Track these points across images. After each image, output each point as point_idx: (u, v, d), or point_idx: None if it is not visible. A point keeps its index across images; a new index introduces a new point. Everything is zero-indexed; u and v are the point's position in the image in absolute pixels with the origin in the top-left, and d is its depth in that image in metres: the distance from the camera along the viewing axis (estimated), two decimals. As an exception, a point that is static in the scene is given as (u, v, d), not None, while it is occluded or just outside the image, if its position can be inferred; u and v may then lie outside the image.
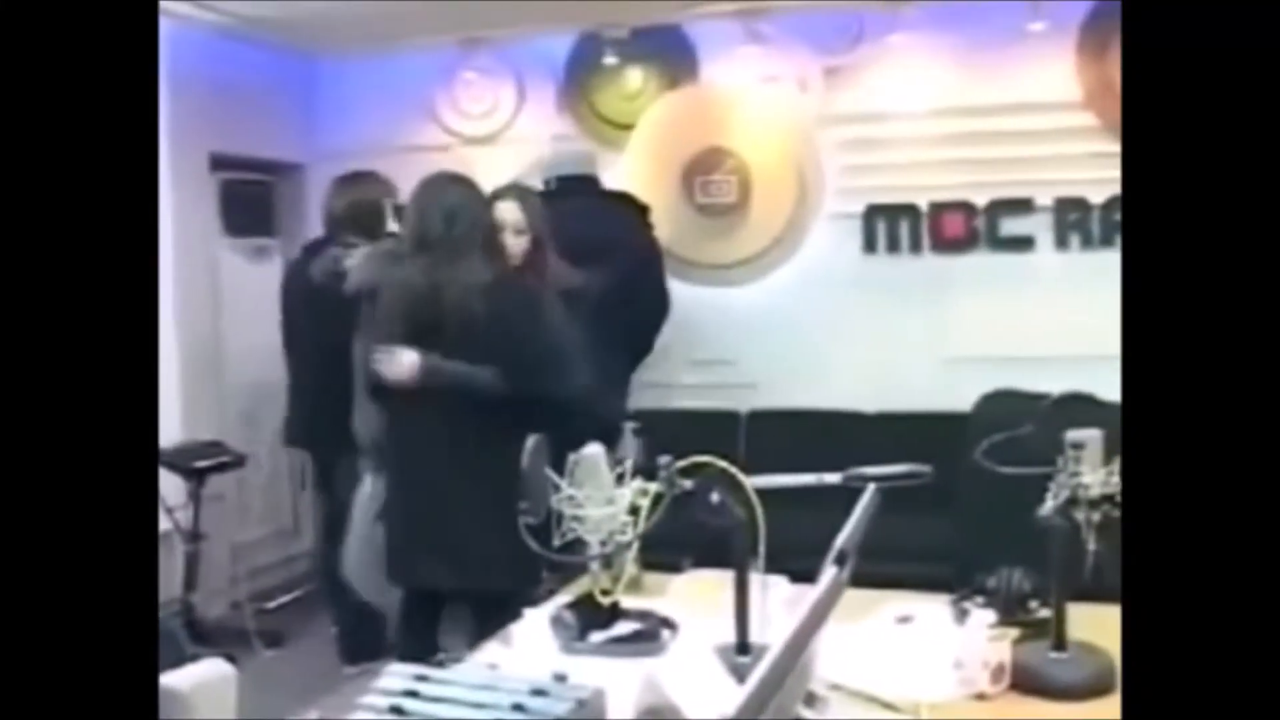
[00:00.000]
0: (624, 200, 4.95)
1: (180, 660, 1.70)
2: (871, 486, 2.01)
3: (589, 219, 4.70)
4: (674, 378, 5.74)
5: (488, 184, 5.84)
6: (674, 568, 2.79)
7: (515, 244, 3.65)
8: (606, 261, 4.56)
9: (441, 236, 3.39)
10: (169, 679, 1.59)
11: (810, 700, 1.81)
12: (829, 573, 1.58)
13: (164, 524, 4.81)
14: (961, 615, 2.27)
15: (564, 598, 2.52)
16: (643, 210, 4.94)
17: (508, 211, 3.69)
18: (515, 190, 3.87)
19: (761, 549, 2.08)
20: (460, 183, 3.58)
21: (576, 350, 3.48)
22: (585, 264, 4.49)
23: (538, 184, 4.83)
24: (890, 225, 5.53)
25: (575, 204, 4.74)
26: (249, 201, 6.16)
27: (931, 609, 2.41)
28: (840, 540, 1.72)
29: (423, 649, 3.23)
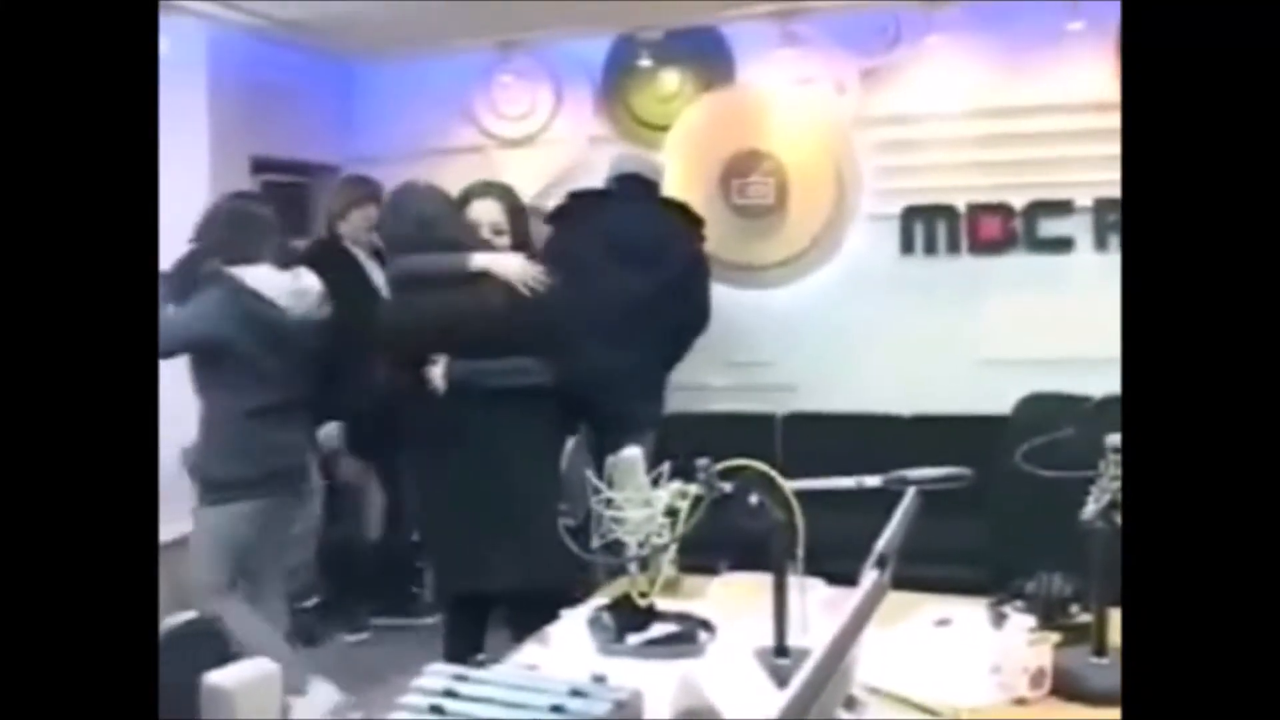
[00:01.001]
0: (680, 210, 4.94)
1: (225, 658, 1.71)
2: (912, 490, 2.00)
3: (644, 223, 4.72)
4: (710, 380, 5.73)
5: (526, 186, 5.92)
6: (711, 570, 2.79)
7: (496, 243, 3.60)
8: (654, 267, 4.57)
9: (415, 245, 3.43)
10: (214, 677, 1.60)
11: (849, 703, 1.80)
12: (870, 576, 1.58)
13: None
14: (999, 619, 2.25)
15: (601, 599, 2.52)
16: (697, 222, 4.93)
17: (484, 211, 3.64)
18: (493, 189, 3.77)
19: (800, 552, 2.07)
20: (427, 190, 3.61)
21: (550, 346, 3.47)
22: (633, 266, 4.51)
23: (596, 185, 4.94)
24: (928, 227, 5.51)
25: (633, 207, 4.76)
26: (287, 203, 6.19)
27: (969, 613, 2.40)
28: (881, 543, 1.71)
29: (469, 650, 3.25)
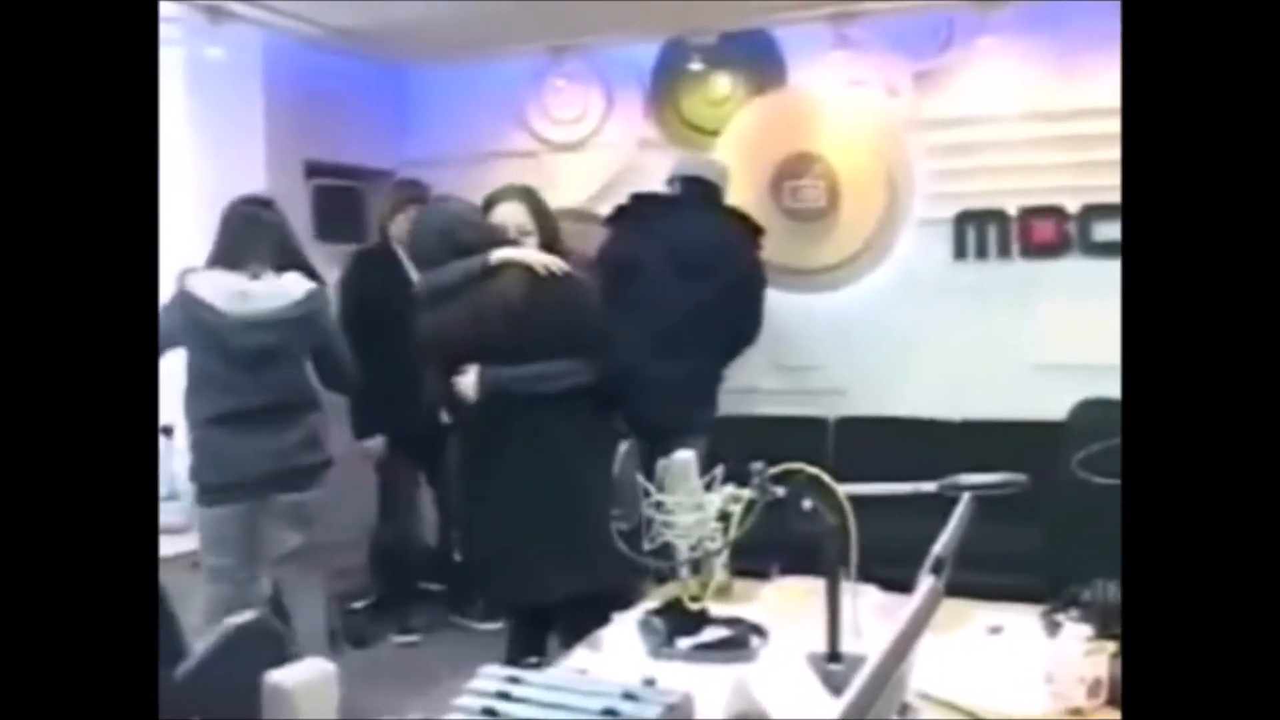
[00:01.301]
0: (740, 218, 4.93)
1: (283, 658, 1.73)
2: (967, 495, 1.99)
3: (703, 228, 4.72)
4: (760, 383, 5.72)
5: (576, 191, 5.93)
6: (761, 574, 2.78)
7: (523, 244, 3.58)
8: (711, 274, 4.57)
9: (439, 257, 3.44)
10: (274, 676, 1.61)
11: (903, 710, 1.80)
12: (926, 582, 1.57)
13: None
14: (1053, 627, 2.23)
15: (652, 603, 2.53)
16: (756, 231, 4.93)
17: (509, 214, 3.65)
18: (516, 192, 3.77)
19: (853, 557, 2.07)
20: (449, 202, 3.64)
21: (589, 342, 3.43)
22: (690, 271, 4.51)
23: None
24: (980, 231, 5.46)
25: (693, 211, 4.76)
26: (341, 207, 6.25)
27: (1022, 620, 2.38)
28: (937, 549, 1.71)
29: (530, 653, 3.25)
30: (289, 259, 3.92)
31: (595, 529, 3.16)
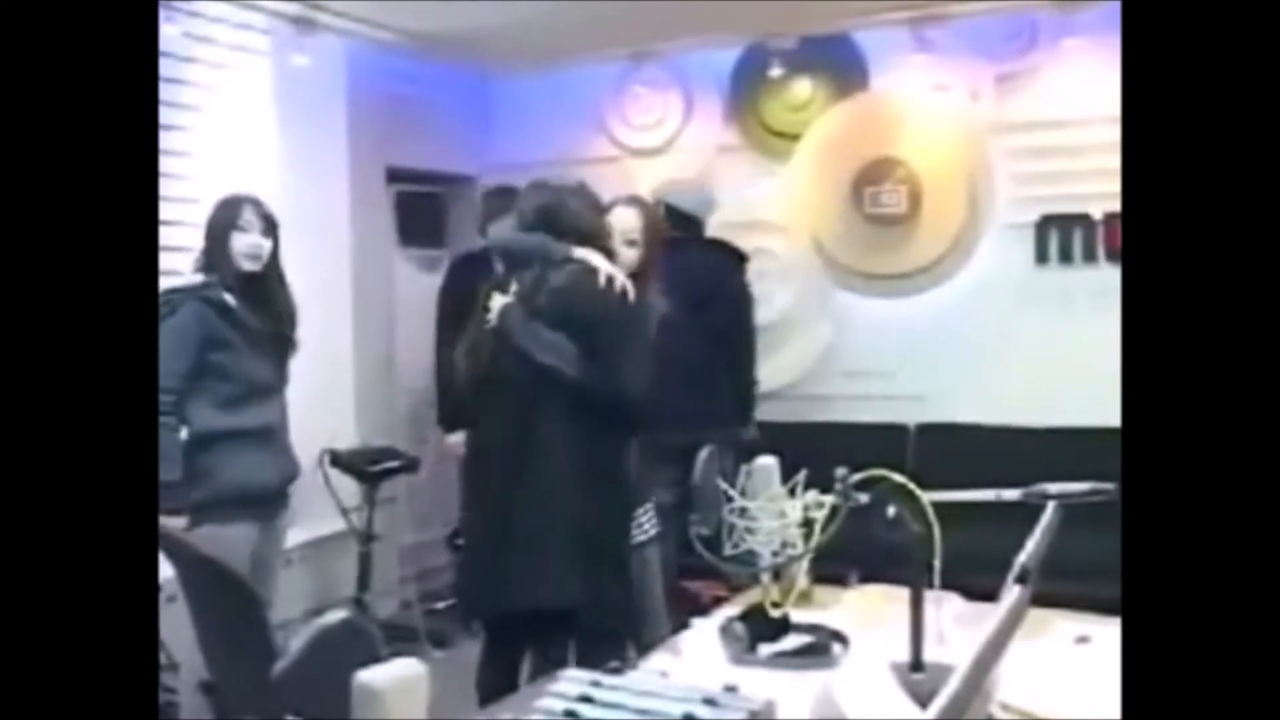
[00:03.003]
0: (723, 248, 4.98)
1: (375, 658, 1.75)
2: (1053, 504, 1.96)
3: (690, 261, 4.65)
4: (840, 389, 5.70)
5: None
6: (840, 581, 2.77)
7: (623, 253, 3.52)
8: (698, 307, 4.55)
9: (531, 224, 3.40)
10: (364, 676, 1.64)
11: (987, 720, 1.78)
12: (1012, 591, 1.55)
13: (339, 525, 4.99)
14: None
15: (733, 609, 2.53)
16: (741, 259, 4.97)
17: (622, 218, 3.60)
18: (638, 201, 3.76)
19: (937, 565, 2.05)
20: (571, 183, 3.54)
21: (642, 361, 3.31)
22: (683, 303, 4.43)
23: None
24: (1063, 235, 5.40)
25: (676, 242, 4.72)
26: (422, 213, 6.33)
27: (1109, 630, 2.35)
28: (1023, 558, 1.69)
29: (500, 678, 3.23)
30: None
31: (580, 548, 3.12)
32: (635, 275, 3.43)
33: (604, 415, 3.21)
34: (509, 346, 3.24)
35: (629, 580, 3.30)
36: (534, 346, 3.21)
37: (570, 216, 3.40)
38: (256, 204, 3.71)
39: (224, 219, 3.65)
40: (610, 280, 3.27)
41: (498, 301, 3.30)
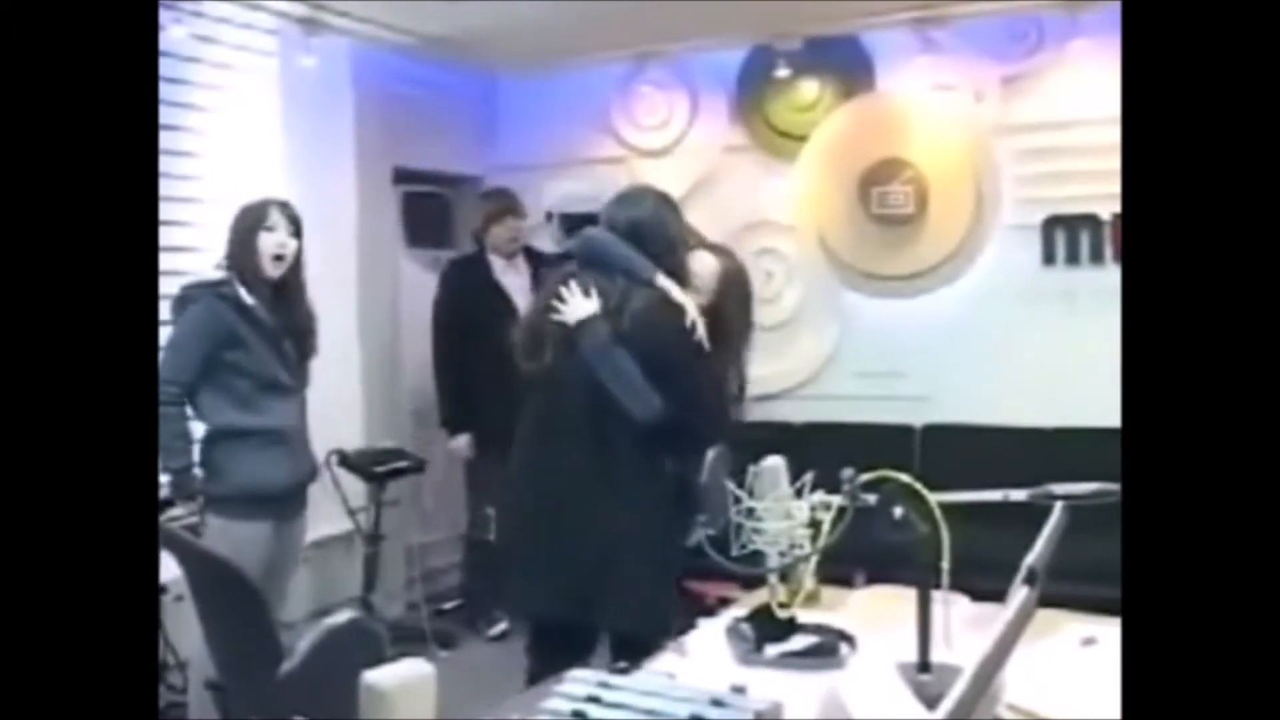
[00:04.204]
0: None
1: (381, 659, 1.75)
2: (1059, 505, 1.96)
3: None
4: (846, 389, 5.70)
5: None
6: (846, 582, 2.77)
7: (694, 297, 3.37)
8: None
9: (638, 234, 3.30)
10: (372, 676, 1.64)
11: (995, 722, 1.78)
12: (1020, 593, 1.55)
13: (346, 526, 4.99)
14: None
15: (740, 610, 2.52)
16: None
17: (702, 264, 3.56)
18: (723, 252, 3.70)
19: (945, 566, 2.05)
20: (658, 193, 3.49)
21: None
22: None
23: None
24: (1070, 236, 5.39)
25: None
26: (428, 214, 6.34)
27: (1115, 632, 2.34)
28: (1030, 559, 1.68)
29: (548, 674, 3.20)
30: None
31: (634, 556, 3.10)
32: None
33: (664, 447, 3.16)
34: (581, 357, 3.16)
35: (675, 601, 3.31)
36: (609, 372, 3.13)
37: (664, 239, 3.32)
38: (284, 205, 3.72)
39: (251, 219, 3.66)
40: (694, 322, 3.22)
41: (578, 302, 3.18)
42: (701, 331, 3.23)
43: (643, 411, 3.11)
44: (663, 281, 3.23)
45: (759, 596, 2.47)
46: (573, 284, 3.22)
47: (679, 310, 3.20)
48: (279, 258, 3.64)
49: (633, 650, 2.46)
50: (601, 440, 3.17)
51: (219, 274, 3.64)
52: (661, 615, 3.07)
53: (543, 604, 3.28)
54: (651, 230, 3.31)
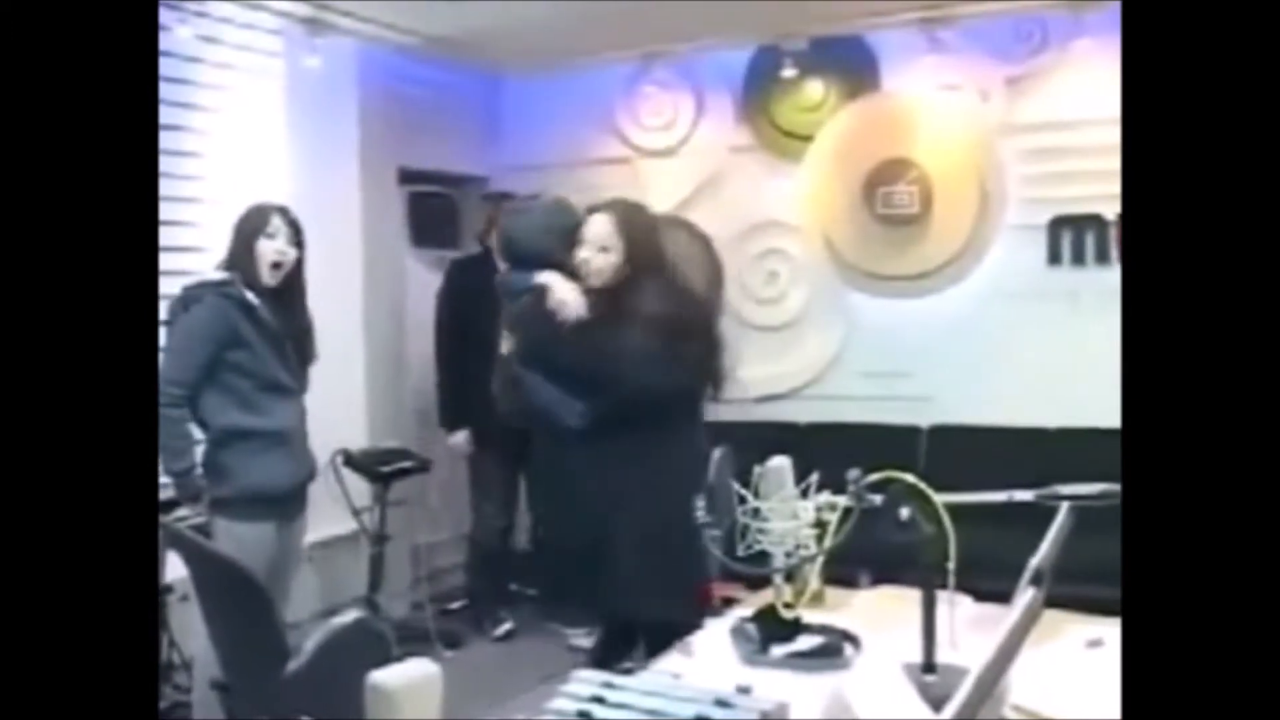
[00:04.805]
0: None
1: (387, 659, 1.75)
2: (1065, 505, 1.96)
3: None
4: (851, 389, 5.70)
5: (667, 196, 5.95)
6: (851, 582, 2.76)
7: (594, 260, 3.42)
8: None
9: (518, 256, 3.51)
10: (377, 676, 1.64)
11: (1000, 723, 1.78)
12: (1026, 594, 1.55)
13: (351, 526, 5.00)
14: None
15: (745, 610, 2.52)
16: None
17: (594, 226, 3.47)
18: (610, 205, 3.56)
19: (951, 566, 2.04)
20: (536, 204, 3.64)
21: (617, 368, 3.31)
22: None
23: None
24: (1075, 236, 5.38)
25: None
26: (434, 214, 6.34)
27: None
28: (1036, 560, 1.68)
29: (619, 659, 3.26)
30: None
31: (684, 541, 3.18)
32: (615, 283, 3.40)
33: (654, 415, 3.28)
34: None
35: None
36: (535, 400, 3.35)
37: (525, 243, 3.45)
38: (285, 212, 3.71)
39: (252, 224, 3.66)
40: (564, 302, 3.35)
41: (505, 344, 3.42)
42: (573, 305, 3.35)
43: (576, 421, 3.27)
44: (543, 279, 3.38)
45: (764, 597, 2.46)
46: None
47: (554, 300, 3.35)
48: (277, 265, 3.63)
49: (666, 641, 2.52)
50: (612, 437, 3.26)
51: (222, 274, 3.64)
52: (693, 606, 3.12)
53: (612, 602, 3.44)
54: (514, 241, 3.54)
